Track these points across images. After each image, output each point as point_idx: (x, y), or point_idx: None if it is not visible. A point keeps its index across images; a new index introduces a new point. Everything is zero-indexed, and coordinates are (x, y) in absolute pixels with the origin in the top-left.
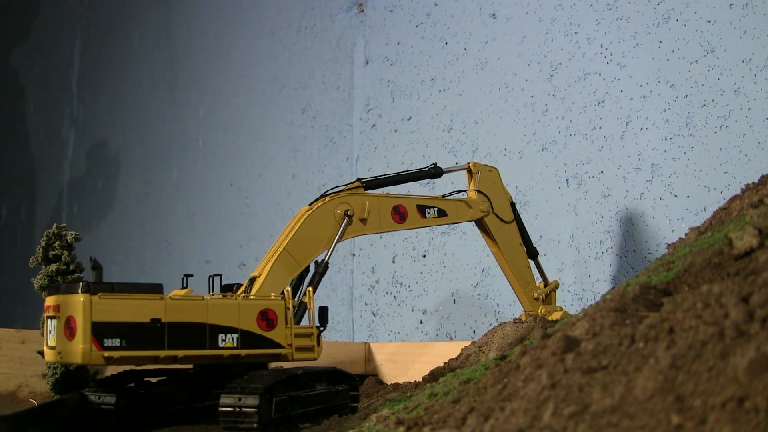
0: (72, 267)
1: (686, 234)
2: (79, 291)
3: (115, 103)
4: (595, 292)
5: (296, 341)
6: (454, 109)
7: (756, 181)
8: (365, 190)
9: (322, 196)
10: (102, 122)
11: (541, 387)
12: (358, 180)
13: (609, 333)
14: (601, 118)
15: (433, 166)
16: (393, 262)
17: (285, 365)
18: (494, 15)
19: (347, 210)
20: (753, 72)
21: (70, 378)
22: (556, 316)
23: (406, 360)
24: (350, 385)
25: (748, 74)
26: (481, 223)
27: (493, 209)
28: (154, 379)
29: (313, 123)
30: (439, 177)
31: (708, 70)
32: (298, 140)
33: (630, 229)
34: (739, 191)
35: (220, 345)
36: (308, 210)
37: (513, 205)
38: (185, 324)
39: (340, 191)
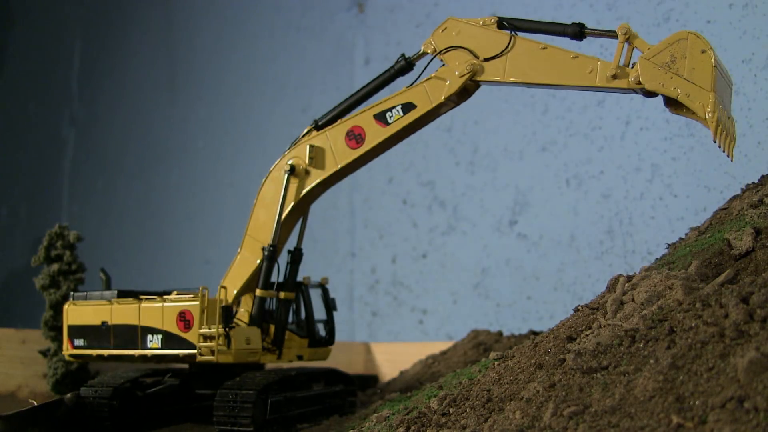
0: (74, 267)
1: (686, 234)
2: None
3: (115, 103)
4: (595, 292)
5: (202, 343)
6: (454, 109)
7: (756, 181)
8: (319, 130)
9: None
10: (102, 122)
11: (541, 387)
12: (315, 122)
13: (609, 333)
14: (601, 118)
15: (400, 57)
16: (393, 262)
17: (285, 365)
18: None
19: (290, 164)
20: (753, 72)
21: (70, 378)
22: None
23: (406, 360)
24: (347, 386)
25: (748, 74)
26: (478, 83)
27: (478, 56)
28: (149, 380)
29: None
30: (411, 69)
31: None
32: None
33: (630, 229)
34: (739, 191)
35: (148, 345)
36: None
37: (501, 22)
38: (124, 326)
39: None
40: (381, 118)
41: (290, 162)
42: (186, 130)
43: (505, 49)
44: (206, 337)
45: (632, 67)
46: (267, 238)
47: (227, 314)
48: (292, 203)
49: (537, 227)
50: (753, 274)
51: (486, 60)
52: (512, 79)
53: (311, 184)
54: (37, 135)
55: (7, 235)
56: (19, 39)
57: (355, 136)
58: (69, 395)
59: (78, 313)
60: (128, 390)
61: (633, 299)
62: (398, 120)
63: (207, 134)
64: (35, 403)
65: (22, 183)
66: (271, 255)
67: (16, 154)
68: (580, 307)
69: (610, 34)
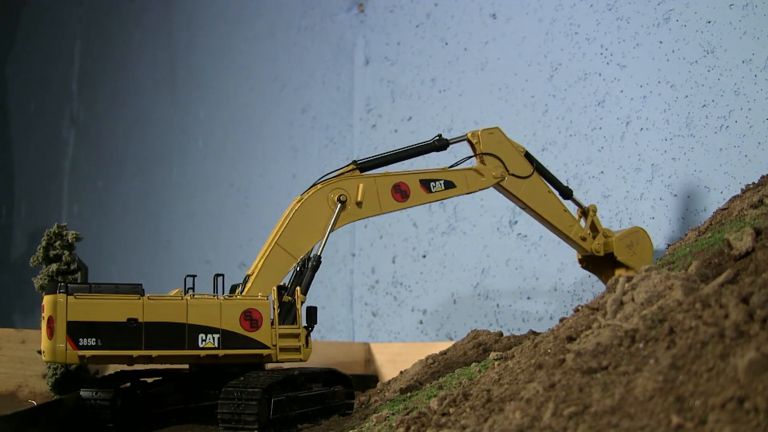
0: (73, 267)
1: (686, 234)
2: (58, 291)
3: (115, 103)
4: (594, 292)
5: (281, 341)
6: (454, 109)
7: (756, 181)
8: (361, 172)
9: (315, 183)
10: (102, 122)
11: (541, 387)
12: (353, 162)
13: (609, 333)
14: (601, 119)
15: (437, 137)
16: (393, 262)
17: (284, 365)
18: (494, 15)
19: (340, 195)
20: (753, 72)
21: (70, 378)
22: (612, 244)
23: (406, 360)
24: (345, 386)
25: (748, 75)
26: (500, 187)
27: (508, 170)
28: (150, 379)
29: (313, 123)
30: (445, 149)
31: (708, 71)
32: (298, 140)
33: None
34: (739, 191)
35: (200, 345)
36: (300, 200)
37: (528, 155)
38: (163, 324)
39: (333, 176)
40: (426, 184)
41: (341, 195)
42: (186, 130)
43: (528, 176)
44: (283, 336)
45: (593, 236)
46: (298, 250)
47: (312, 314)
48: (335, 228)
49: (537, 227)
50: (753, 274)
51: (512, 175)
52: (522, 199)
53: (352, 218)
54: (37, 135)
55: (7, 235)
56: (19, 39)
57: (401, 191)
58: (70, 395)
59: (85, 308)
60: (129, 390)
61: (633, 299)
62: (439, 192)
63: (207, 134)
64: (35, 403)
65: (22, 183)
66: (315, 265)
67: (16, 154)
68: (580, 307)
69: (582, 207)
